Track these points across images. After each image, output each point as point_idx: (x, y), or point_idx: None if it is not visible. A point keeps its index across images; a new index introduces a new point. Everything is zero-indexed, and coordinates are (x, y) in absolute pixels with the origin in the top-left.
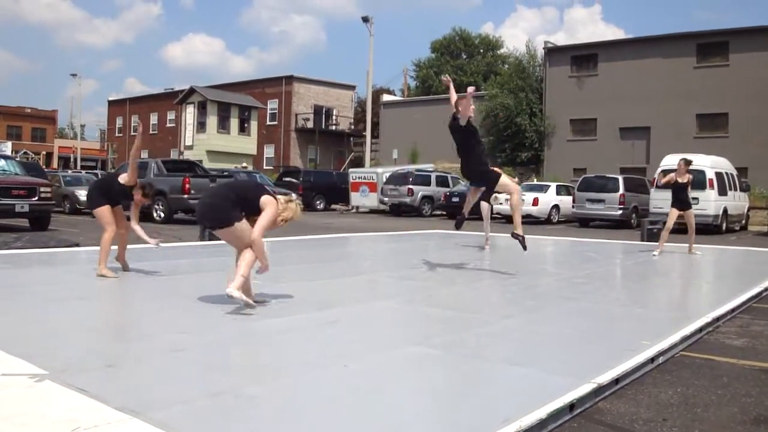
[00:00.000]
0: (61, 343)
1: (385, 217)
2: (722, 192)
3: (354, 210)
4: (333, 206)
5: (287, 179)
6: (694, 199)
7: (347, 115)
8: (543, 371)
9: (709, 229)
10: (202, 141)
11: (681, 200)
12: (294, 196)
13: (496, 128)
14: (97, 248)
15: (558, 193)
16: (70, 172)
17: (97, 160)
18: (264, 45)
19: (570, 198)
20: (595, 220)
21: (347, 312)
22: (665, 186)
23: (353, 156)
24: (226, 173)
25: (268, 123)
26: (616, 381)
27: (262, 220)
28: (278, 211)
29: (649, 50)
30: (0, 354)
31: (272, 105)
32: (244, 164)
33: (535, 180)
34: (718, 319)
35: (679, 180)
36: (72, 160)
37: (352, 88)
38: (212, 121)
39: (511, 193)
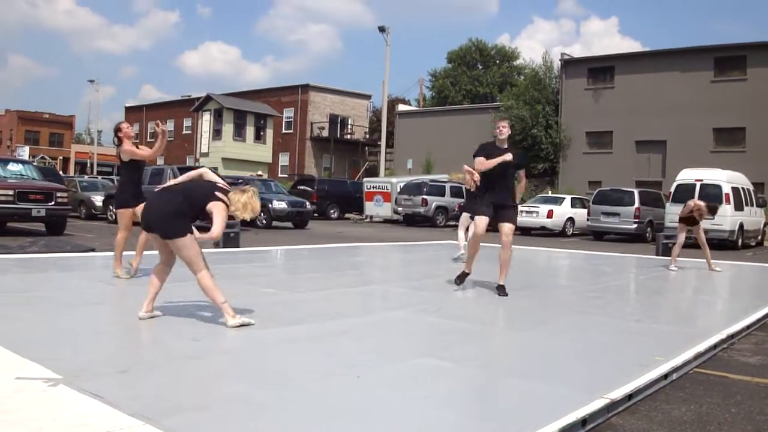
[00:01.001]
0: (76, 348)
1: (398, 226)
2: (738, 207)
3: (368, 219)
4: (347, 215)
5: (302, 188)
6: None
7: (362, 124)
8: (555, 385)
9: (724, 244)
10: (218, 148)
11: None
12: (249, 187)
13: (511, 140)
14: (112, 253)
15: (573, 206)
16: (86, 177)
17: (113, 166)
18: (280, 53)
19: (585, 211)
20: (610, 234)
21: (359, 322)
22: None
23: (368, 165)
24: (240, 180)
25: (283, 131)
26: (629, 397)
27: (214, 229)
28: (225, 216)
29: (667, 63)
30: (15, 358)
31: (288, 113)
32: (260, 172)
33: (550, 192)
34: (732, 336)
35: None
36: (88, 165)
37: (367, 97)
38: (228, 128)
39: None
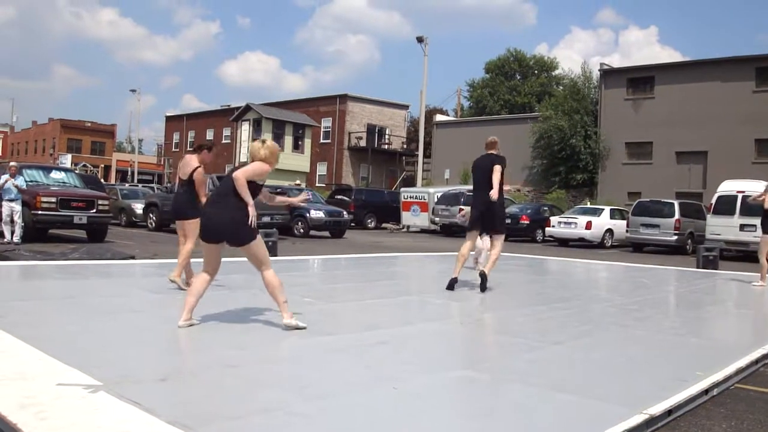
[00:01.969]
0: (116, 355)
1: (435, 237)
2: None
3: (405, 229)
4: (384, 225)
5: (339, 197)
6: (751, 226)
7: (400, 134)
8: (594, 400)
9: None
10: None
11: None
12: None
13: (549, 150)
14: (152, 261)
15: (612, 217)
16: (127, 185)
17: (153, 174)
18: (319, 64)
19: (624, 222)
20: (650, 246)
21: (397, 333)
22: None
23: (405, 175)
24: (279, 190)
25: (321, 141)
26: (669, 412)
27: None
28: (255, 172)
29: (707, 73)
30: (56, 364)
31: (326, 123)
32: (298, 181)
33: (589, 203)
34: None
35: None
36: (129, 173)
37: (405, 107)
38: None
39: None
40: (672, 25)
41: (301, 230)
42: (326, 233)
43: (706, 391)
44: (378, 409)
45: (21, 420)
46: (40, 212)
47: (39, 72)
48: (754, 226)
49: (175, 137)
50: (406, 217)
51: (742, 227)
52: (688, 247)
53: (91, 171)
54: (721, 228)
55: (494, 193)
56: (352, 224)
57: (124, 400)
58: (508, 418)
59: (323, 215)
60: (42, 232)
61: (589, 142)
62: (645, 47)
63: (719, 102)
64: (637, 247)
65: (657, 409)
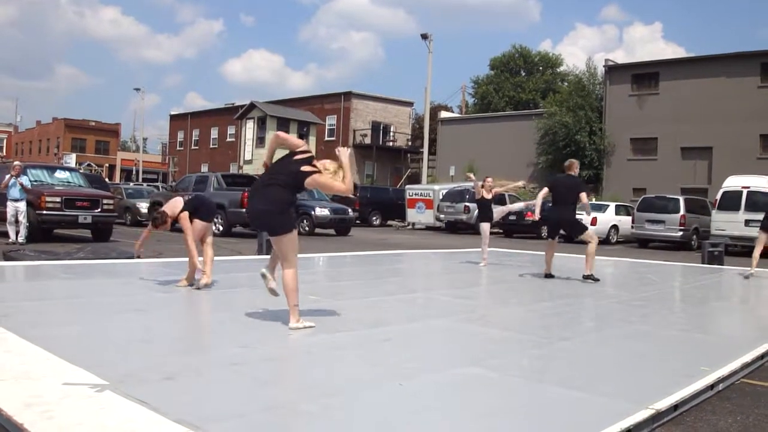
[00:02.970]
0: (122, 354)
1: (440, 234)
2: None
3: (410, 226)
4: (389, 222)
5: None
6: (756, 221)
7: (405, 131)
8: (600, 395)
9: None
10: (262, 155)
11: None
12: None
13: (555, 146)
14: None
15: (617, 213)
16: (131, 184)
17: (158, 173)
18: (323, 61)
19: (629, 218)
20: (655, 241)
21: (402, 330)
22: None
23: (410, 172)
24: None
25: (326, 138)
26: (675, 407)
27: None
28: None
29: (712, 69)
30: (62, 363)
31: (330, 121)
32: None
33: (594, 199)
34: None
35: None
36: (134, 172)
37: (410, 104)
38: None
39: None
40: (676, 21)
41: (307, 228)
42: (331, 231)
43: (711, 386)
44: (384, 407)
45: (27, 419)
46: (44, 212)
47: (42, 71)
48: (759, 221)
49: (180, 136)
50: (411, 215)
51: (747, 222)
52: (693, 242)
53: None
54: (726, 223)
55: (587, 208)
56: (358, 222)
57: (131, 399)
58: (515, 414)
59: (328, 213)
60: (47, 232)
61: (594, 138)
62: (649, 43)
63: (724, 98)
64: (642, 243)
65: (663, 404)
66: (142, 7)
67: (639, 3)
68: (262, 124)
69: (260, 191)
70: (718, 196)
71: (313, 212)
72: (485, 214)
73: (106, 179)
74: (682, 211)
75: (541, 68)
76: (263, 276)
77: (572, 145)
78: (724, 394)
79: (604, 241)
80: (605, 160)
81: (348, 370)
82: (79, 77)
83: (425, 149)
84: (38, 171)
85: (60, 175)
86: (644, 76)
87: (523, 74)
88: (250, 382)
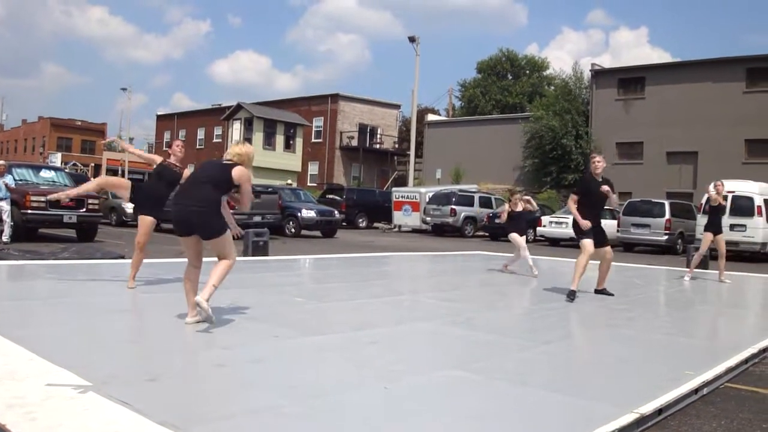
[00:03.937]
0: (105, 355)
1: (427, 236)
2: None
3: (396, 229)
4: (375, 224)
5: (331, 197)
6: (741, 226)
7: (392, 134)
8: (584, 399)
9: (756, 256)
10: None
11: (715, 224)
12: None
13: (541, 150)
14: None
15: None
16: None
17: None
18: (310, 63)
19: (615, 222)
20: (640, 245)
21: (388, 332)
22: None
23: (397, 175)
24: (270, 189)
25: (313, 140)
26: (659, 411)
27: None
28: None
29: (698, 74)
30: (45, 364)
31: (317, 123)
32: (289, 181)
33: None
34: (764, 350)
35: (721, 203)
36: (120, 172)
37: (397, 107)
38: (258, 137)
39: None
40: (662, 26)
41: (293, 230)
42: (318, 233)
43: (696, 390)
44: (369, 410)
45: (9, 420)
46: (29, 211)
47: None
48: (744, 226)
49: (166, 136)
50: (398, 217)
51: (732, 227)
52: (678, 246)
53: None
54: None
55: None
56: (344, 224)
57: (114, 400)
58: (500, 417)
59: (315, 215)
60: (31, 232)
61: (580, 142)
62: (635, 48)
63: (710, 102)
64: (627, 247)
65: (647, 408)
66: (130, 6)
67: (625, 8)
68: (248, 125)
69: (190, 191)
70: (703, 201)
71: (299, 214)
72: (516, 225)
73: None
74: (667, 216)
75: (527, 72)
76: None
77: (558, 149)
78: (709, 399)
79: None
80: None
81: (333, 372)
82: (66, 76)
83: (412, 152)
84: (23, 170)
85: (45, 174)
86: (630, 80)
87: (510, 78)
88: (234, 384)
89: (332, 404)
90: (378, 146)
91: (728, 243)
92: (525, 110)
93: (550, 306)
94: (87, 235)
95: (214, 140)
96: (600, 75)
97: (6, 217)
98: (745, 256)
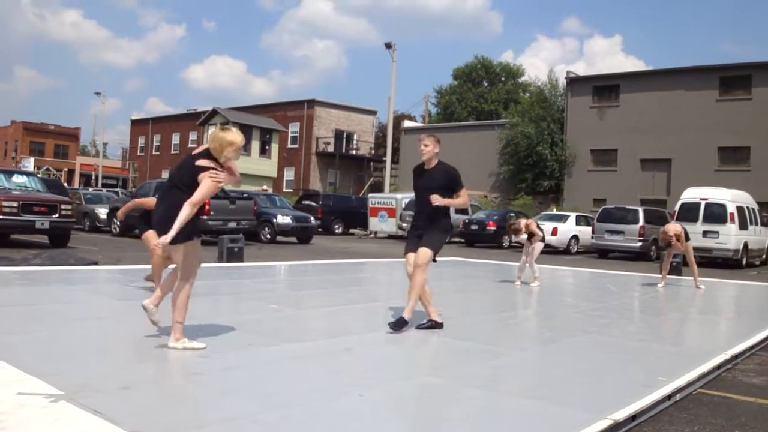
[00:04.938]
0: (78, 363)
1: (403, 243)
2: (743, 226)
3: (372, 235)
4: (351, 230)
5: (306, 203)
6: (714, 233)
7: (368, 140)
8: (558, 405)
9: (729, 263)
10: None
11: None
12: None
13: (516, 157)
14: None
15: (577, 224)
16: (90, 189)
17: (118, 179)
18: (286, 68)
19: (589, 228)
20: (615, 252)
21: (363, 339)
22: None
23: (373, 181)
24: (245, 195)
25: (289, 146)
26: (633, 418)
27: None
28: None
29: (672, 82)
30: (16, 373)
31: (293, 128)
32: (264, 187)
33: (555, 209)
34: (736, 356)
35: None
36: (93, 177)
37: (373, 113)
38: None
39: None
40: (636, 34)
41: (268, 236)
42: (293, 239)
43: (669, 397)
44: (343, 418)
45: None
46: (0, 217)
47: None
48: (717, 232)
49: (141, 141)
50: (374, 223)
51: (705, 234)
52: (652, 253)
53: (54, 175)
54: None
55: None
56: (320, 230)
57: (86, 409)
58: (474, 424)
59: (290, 221)
60: (3, 238)
61: (555, 149)
62: (609, 56)
63: (683, 110)
64: (602, 253)
65: (621, 414)
66: (104, 10)
67: (599, 16)
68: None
69: (163, 196)
70: (677, 208)
71: (274, 220)
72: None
73: (65, 184)
74: (641, 222)
75: (503, 79)
76: (144, 308)
77: (534, 156)
78: (682, 405)
79: (564, 251)
80: (566, 171)
81: (307, 379)
82: (39, 80)
83: (388, 158)
84: None
85: (17, 179)
86: (605, 88)
87: (486, 85)
88: (207, 392)
89: (306, 413)
90: (354, 152)
91: (701, 249)
92: (500, 117)
93: (524, 313)
94: (60, 240)
95: (189, 145)
96: (575, 82)
97: None
98: (718, 263)
